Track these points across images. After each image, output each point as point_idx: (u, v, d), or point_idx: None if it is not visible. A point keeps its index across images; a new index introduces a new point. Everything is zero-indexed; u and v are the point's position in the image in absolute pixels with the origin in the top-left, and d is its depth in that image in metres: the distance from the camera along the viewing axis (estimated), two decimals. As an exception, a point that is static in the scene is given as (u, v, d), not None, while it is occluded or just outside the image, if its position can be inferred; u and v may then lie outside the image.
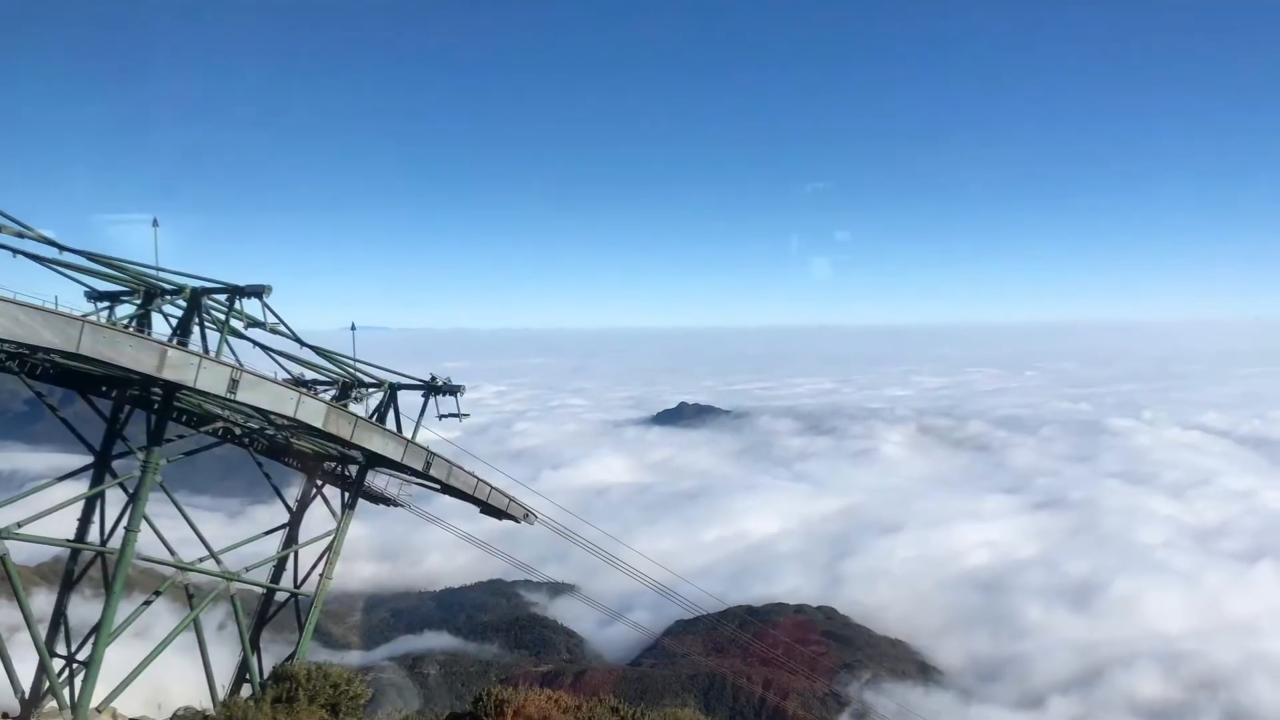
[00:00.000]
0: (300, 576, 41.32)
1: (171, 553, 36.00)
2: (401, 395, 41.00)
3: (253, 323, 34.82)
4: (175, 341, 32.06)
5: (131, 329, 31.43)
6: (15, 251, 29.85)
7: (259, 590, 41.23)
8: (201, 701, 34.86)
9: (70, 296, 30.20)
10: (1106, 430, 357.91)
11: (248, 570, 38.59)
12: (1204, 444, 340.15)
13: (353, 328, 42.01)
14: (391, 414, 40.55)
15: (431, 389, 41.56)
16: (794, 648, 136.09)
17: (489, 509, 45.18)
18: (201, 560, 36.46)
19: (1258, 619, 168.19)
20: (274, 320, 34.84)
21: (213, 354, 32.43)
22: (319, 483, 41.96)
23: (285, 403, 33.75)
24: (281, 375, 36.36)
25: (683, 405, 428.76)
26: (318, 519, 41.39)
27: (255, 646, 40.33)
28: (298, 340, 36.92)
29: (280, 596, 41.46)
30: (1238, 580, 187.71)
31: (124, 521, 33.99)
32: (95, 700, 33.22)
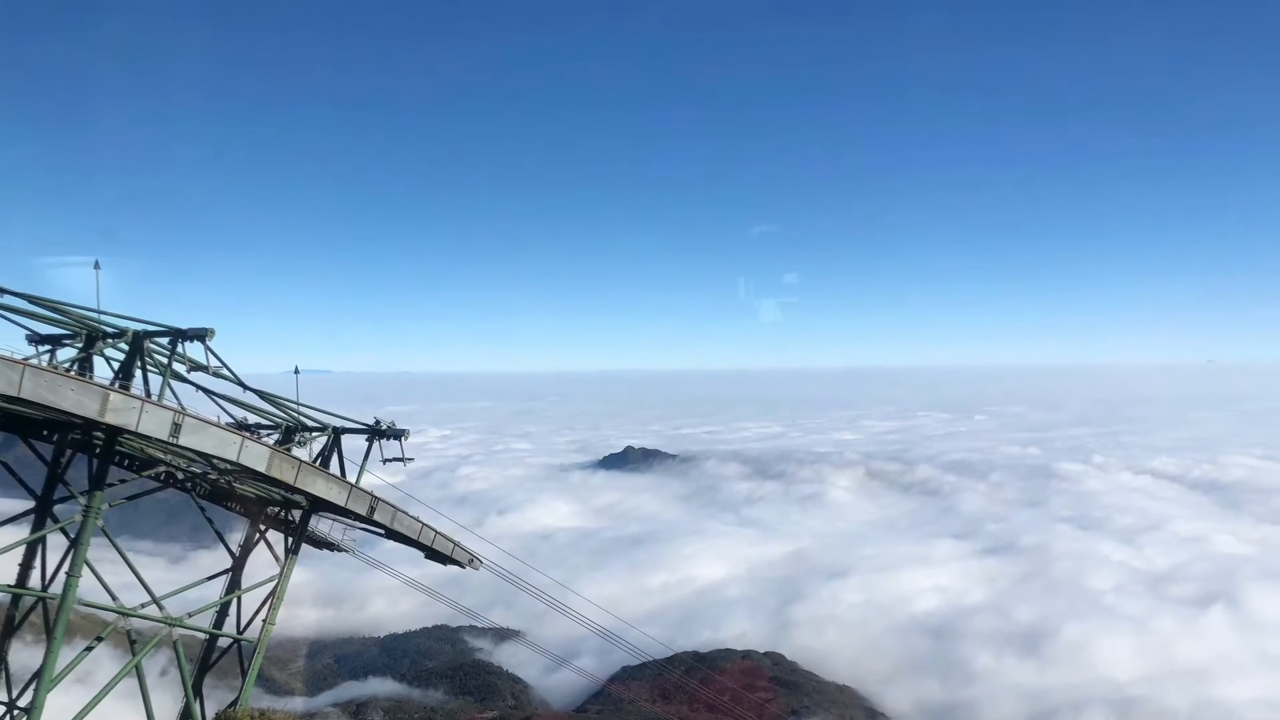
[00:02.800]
0: (243, 622, 41.24)
1: (113, 598, 35.80)
2: (345, 439, 41.10)
3: (195, 366, 34.75)
4: (117, 385, 32.01)
5: (73, 372, 31.37)
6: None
7: (201, 636, 41.06)
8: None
9: (10, 340, 30.21)
10: (1057, 475, 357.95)
11: (190, 616, 38.47)
12: (1155, 489, 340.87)
13: (296, 371, 42.03)
14: (335, 458, 40.60)
15: (375, 433, 41.62)
16: (741, 694, 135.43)
17: (434, 554, 45.16)
18: (144, 606, 36.29)
19: (1209, 664, 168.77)
20: (217, 364, 34.83)
21: (155, 398, 32.40)
22: (262, 527, 41.86)
23: (228, 447, 33.65)
24: (225, 419, 36.37)
25: (629, 449, 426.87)
26: (261, 564, 41.27)
27: (198, 693, 40.06)
28: (241, 384, 36.99)
29: (223, 642, 41.35)
30: (1189, 626, 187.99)
31: (65, 567, 33.82)
32: (35, 747, 32.95)
